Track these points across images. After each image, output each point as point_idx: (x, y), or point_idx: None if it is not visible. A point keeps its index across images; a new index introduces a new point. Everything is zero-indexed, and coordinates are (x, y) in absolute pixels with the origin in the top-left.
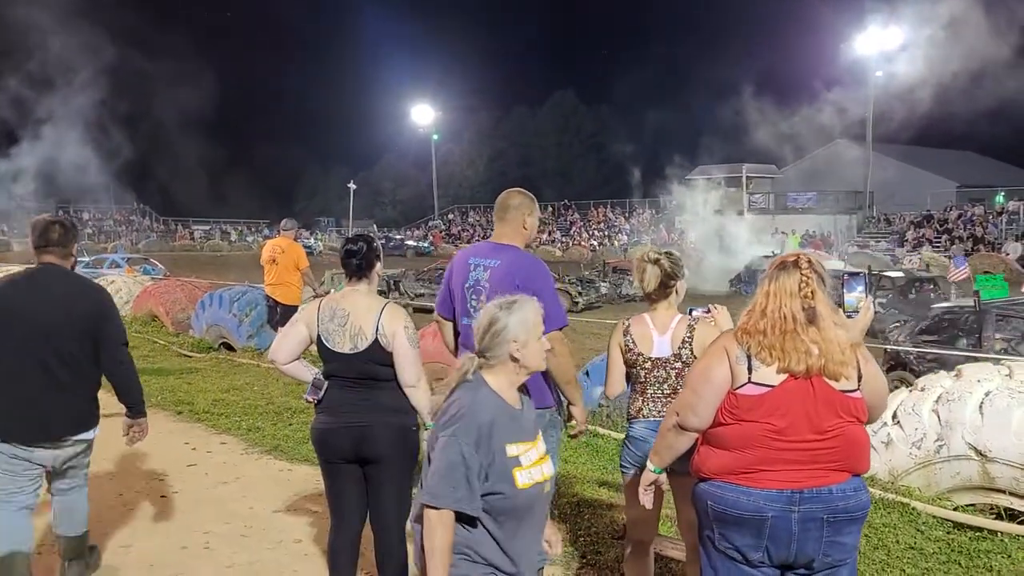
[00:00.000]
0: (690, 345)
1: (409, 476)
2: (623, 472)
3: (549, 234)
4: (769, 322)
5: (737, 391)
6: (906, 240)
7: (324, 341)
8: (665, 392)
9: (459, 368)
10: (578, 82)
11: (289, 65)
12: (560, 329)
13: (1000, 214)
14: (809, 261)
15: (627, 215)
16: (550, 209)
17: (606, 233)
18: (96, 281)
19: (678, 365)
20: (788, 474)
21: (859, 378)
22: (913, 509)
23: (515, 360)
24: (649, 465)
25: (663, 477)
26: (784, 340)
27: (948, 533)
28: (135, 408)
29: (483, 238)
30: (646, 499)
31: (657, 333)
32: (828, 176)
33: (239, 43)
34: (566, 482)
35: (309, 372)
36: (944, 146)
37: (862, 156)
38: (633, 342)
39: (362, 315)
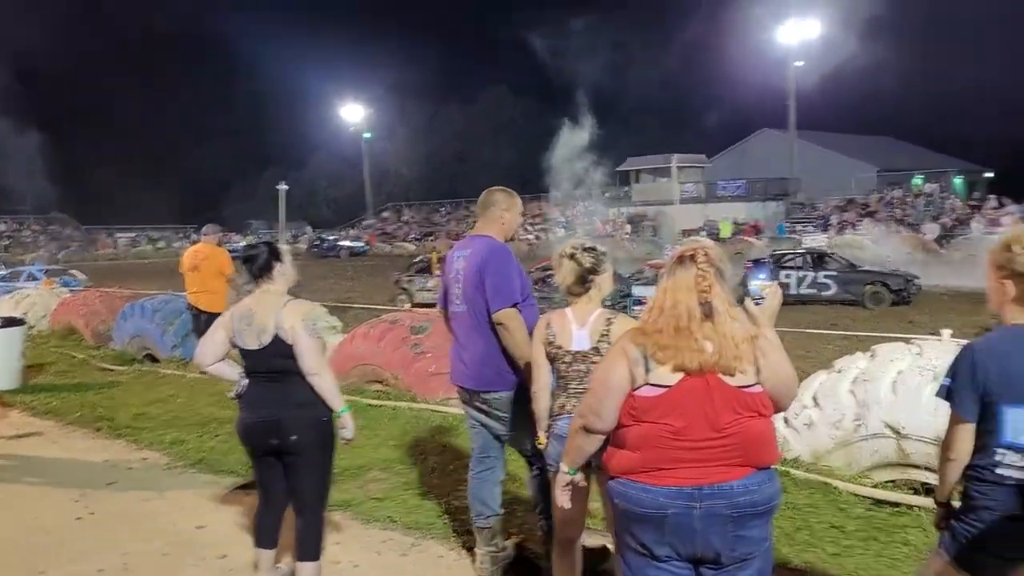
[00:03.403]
0: (608, 339)
1: (325, 463)
2: (549, 468)
3: None
4: (666, 319)
5: (636, 393)
6: (831, 224)
7: (237, 340)
8: (587, 386)
9: None
10: (510, 75)
11: (214, 65)
12: (513, 306)
13: (918, 196)
14: (706, 254)
15: (563, 208)
16: None
17: (543, 227)
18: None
19: (597, 359)
20: (689, 471)
21: (757, 371)
22: (835, 488)
23: None
24: (563, 467)
25: (579, 476)
26: (679, 338)
27: (868, 510)
28: None
29: (419, 236)
30: (563, 500)
31: (576, 326)
32: (756, 164)
33: (162, 45)
34: None
35: (234, 371)
36: (864, 132)
37: (787, 144)
38: (554, 335)
39: (265, 313)
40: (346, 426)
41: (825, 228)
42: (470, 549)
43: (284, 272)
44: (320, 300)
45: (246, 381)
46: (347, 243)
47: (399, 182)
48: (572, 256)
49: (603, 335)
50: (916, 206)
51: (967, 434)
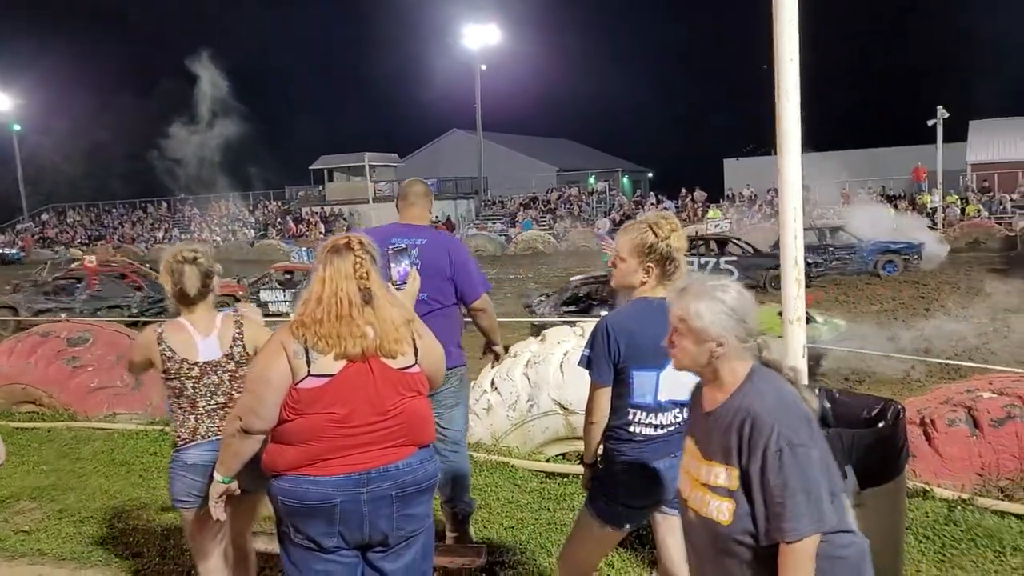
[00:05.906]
0: (242, 342)
1: None
2: (181, 505)
3: (166, 231)
4: (325, 309)
5: (298, 386)
6: (517, 221)
7: None
8: (220, 402)
9: None
10: (185, 69)
11: None
12: (488, 292)
13: (591, 194)
14: (361, 242)
15: (252, 208)
16: (165, 205)
17: (230, 228)
18: None
19: (231, 366)
20: (356, 457)
21: (416, 352)
22: (512, 466)
23: None
24: (217, 476)
25: (234, 485)
26: (340, 326)
27: (541, 483)
28: None
29: (87, 241)
30: (218, 512)
31: (200, 336)
32: (448, 164)
33: None
34: (151, 508)
35: None
36: (545, 134)
37: (476, 144)
38: (171, 350)
39: None
40: None
41: (513, 223)
42: (135, 573)
43: None
44: None
45: None
46: None
47: (61, 180)
48: (195, 260)
49: (236, 338)
50: (590, 203)
51: (605, 398)
